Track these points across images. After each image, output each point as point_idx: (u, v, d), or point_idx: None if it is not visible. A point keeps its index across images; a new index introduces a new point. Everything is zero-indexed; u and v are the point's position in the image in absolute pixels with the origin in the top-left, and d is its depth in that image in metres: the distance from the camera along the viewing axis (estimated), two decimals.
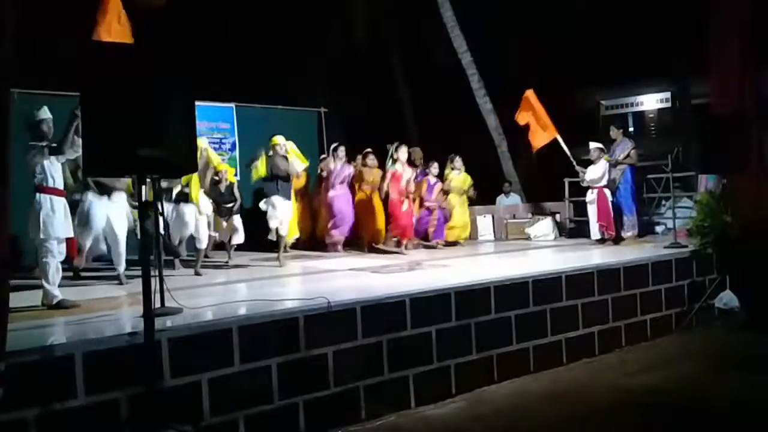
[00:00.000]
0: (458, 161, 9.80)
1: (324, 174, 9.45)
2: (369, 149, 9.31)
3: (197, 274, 6.98)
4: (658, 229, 9.68)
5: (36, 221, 5.01)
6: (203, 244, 7.31)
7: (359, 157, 9.54)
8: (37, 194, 5.05)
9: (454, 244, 9.67)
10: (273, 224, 7.75)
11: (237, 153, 10.77)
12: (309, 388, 4.43)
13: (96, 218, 6.41)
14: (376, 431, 4.52)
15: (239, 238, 7.88)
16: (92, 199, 6.44)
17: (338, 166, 9.25)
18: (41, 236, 5.00)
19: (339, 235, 9.16)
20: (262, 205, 7.88)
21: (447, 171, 9.79)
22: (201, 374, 4.01)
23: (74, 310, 4.93)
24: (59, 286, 5.14)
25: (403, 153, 8.84)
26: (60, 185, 5.19)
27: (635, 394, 4.96)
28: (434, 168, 9.49)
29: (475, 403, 4.97)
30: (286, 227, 7.88)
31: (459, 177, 9.79)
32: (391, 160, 8.91)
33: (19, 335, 3.84)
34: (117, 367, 3.73)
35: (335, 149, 9.40)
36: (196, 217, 7.27)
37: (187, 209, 7.24)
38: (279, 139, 7.93)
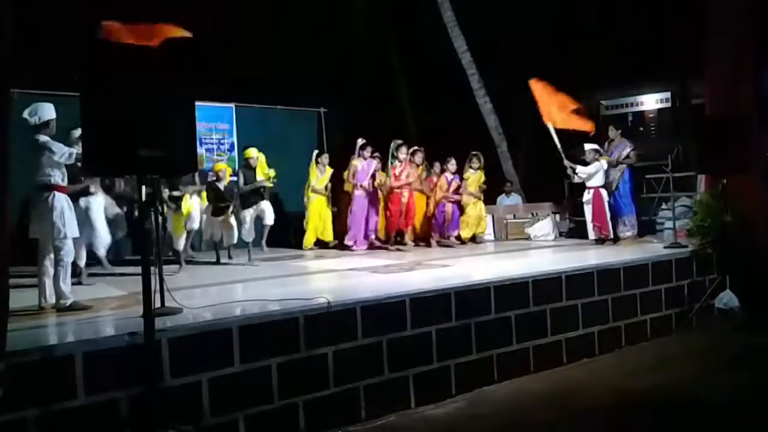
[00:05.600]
0: (475, 161, 9.92)
1: (351, 173, 9.53)
2: (417, 147, 9.49)
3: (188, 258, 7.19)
4: (666, 234, 9.63)
5: (51, 221, 4.92)
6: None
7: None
8: (53, 193, 4.97)
9: (471, 239, 9.84)
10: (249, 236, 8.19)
11: (236, 153, 10.77)
12: (309, 388, 4.43)
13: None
14: (376, 431, 4.53)
15: (233, 238, 7.96)
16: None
17: (364, 164, 9.31)
18: (61, 236, 4.93)
19: (355, 244, 9.25)
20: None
21: (465, 169, 9.91)
22: (201, 374, 4.01)
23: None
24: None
25: (402, 153, 9.07)
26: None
27: (635, 394, 4.96)
28: (451, 165, 9.70)
29: (475, 403, 4.97)
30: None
31: (475, 176, 9.89)
32: (392, 158, 9.16)
33: (19, 335, 3.84)
34: (117, 367, 3.73)
35: (363, 147, 9.43)
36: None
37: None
38: (252, 152, 8.34)
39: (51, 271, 5.01)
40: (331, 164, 9.92)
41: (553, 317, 5.85)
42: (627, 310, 6.50)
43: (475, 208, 9.87)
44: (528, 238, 10.22)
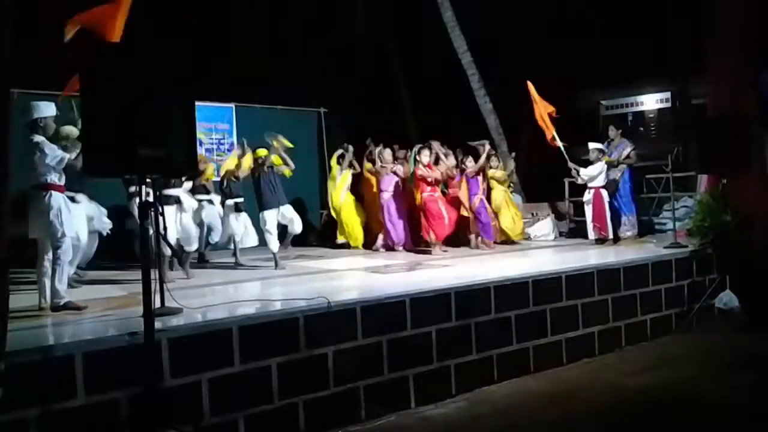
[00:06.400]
0: (494, 160, 9.63)
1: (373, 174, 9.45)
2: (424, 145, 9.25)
3: (187, 276, 6.81)
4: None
5: (49, 221, 4.91)
6: (191, 245, 7.11)
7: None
8: (49, 192, 4.95)
9: (510, 242, 9.46)
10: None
11: None
12: (309, 388, 4.43)
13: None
14: (376, 431, 4.53)
15: (251, 240, 7.83)
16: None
17: (389, 169, 9.18)
18: (58, 235, 4.92)
19: (399, 242, 9.02)
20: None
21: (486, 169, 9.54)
22: (201, 374, 4.02)
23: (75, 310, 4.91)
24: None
25: (425, 156, 8.76)
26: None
27: (635, 394, 4.96)
28: (470, 162, 9.23)
29: (475, 403, 4.97)
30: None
31: (498, 173, 9.62)
32: (414, 162, 8.88)
33: (19, 335, 3.84)
34: (117, 367, 3.74)
35: (381, 152, 9.33)
36: (180, 216, 7.15)
37: (168, 209, 7.15)
38: (263, 153, 7.88)
39: (50, 271, 5.00)
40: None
41: (553, 317, 5.85)
42: (627, 310, 6.50)
43: (510, 209, 9.56)
44: (528, 238, 10.21)
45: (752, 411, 4.53)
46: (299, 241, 10.44)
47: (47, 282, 5.01)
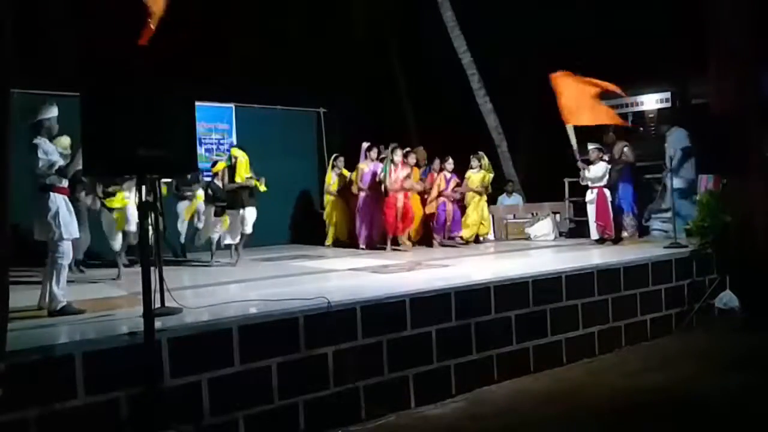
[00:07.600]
0: (474, 160, 9.88)
1: (356, 175, 9.58)
2: (409, 149, 9.51)
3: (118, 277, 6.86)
4: (656, 233, 9.60)
5: (50, 222, 4.85)
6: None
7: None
8: (49, 194, 4.90)
9: (476, 240, 9.81)
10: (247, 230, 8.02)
11: None
12: (309, 388, 4.43)
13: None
14: (376, 431, 4.53)
15: (235, 237, 7.93)
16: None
17: (371, 167, 9.36)
18: (58, 237, 4.85)
19: (361, 242, 9.38)
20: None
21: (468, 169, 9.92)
22: (201, 374, 4.02)
23: None
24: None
25: (397, 155, 9.05)
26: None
27: (635, 394, 4.96)
28: (449, 164, 9.72)
29: (475, 403, 4.97)
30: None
31: (477, 175, 9.82)
32: (389, 161, 9.10)
33: (19, 335, 3.84)
34: (117, 367, 3.74)
35: (369, 149, 9.49)
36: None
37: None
38: (235, 152, 8.17)
39: (49, 274, 4.93)
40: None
41: (553, 317, 5.85)
42: (627, 310, 6.50)
43: (477, 208, 9.79)
44: (528, 238, 10.21)
45: (752, 411, 4.53)
46: (299, 240, 10.52)
47: (46, 285, 4.97)
